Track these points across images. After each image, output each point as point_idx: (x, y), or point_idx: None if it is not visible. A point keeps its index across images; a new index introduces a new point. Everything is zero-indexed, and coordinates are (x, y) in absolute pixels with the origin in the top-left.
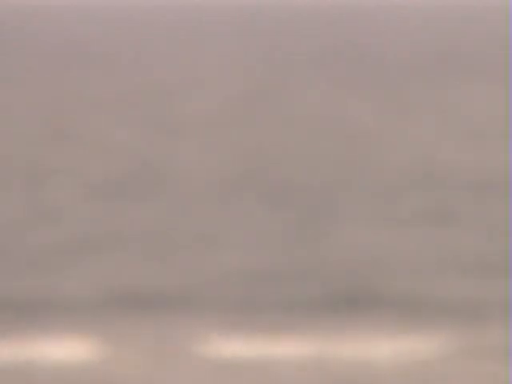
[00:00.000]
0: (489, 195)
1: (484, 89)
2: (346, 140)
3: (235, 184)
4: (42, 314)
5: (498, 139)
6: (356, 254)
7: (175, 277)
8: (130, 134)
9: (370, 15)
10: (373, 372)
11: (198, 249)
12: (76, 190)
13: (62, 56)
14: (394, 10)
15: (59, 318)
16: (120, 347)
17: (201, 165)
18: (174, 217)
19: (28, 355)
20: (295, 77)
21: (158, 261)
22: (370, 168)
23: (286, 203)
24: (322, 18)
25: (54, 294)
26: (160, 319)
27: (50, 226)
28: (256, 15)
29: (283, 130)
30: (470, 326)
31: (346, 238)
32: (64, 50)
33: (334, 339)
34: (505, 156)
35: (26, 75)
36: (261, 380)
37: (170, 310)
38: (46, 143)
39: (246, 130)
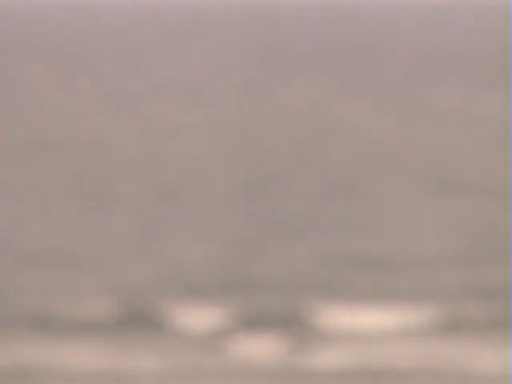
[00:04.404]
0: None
1: (484, 89)
2: (347, 140)
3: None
4: None
5: (497, 140)
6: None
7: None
8: (129, 135)
9: (370, 15)
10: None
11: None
12: None
13: (62, 56)
14: (394, 10)
15: None
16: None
17: (201, 164)
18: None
19: None
20: (295, 77)
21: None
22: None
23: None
24: (322, 18)
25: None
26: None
27: None
28: (256, 15)
29: (283, 130)
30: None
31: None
32: (64, 50)
33: None
34: (505, 161)
35: (25, 75)
36: None
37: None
38: (45, 143)
39: (245, 129)
